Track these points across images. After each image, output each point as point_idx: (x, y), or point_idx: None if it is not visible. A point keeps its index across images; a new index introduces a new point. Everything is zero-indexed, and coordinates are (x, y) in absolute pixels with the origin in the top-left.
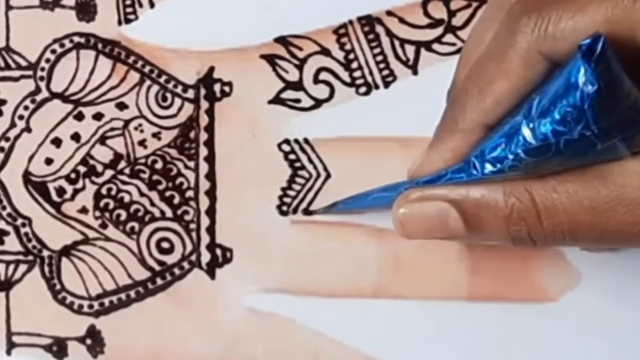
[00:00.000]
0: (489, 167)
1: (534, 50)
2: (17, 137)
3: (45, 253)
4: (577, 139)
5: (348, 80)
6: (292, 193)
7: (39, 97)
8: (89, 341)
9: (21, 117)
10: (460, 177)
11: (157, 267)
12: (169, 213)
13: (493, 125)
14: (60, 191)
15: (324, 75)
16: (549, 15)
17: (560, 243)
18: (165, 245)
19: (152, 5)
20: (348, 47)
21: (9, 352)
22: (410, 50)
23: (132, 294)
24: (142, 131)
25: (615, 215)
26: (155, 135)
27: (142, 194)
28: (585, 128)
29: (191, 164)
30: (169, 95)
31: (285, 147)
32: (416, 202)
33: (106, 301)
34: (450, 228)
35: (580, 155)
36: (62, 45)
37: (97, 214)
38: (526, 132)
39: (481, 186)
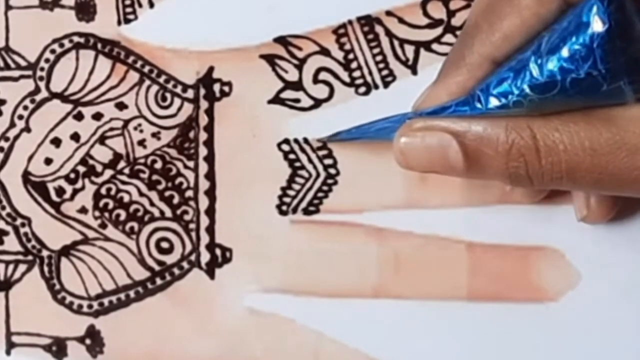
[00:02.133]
0: (493, 102)
1: None
2: (16, 137)
3: (45, 253)
4: (584, 78)
5: (347, 80)
6: (291, 193)
7: (38, 97)
8: (88, 341)
9: (21, 117)
10: (464, 111)
11: (157, 267)
12: (168, 213)
13: (500, 62)
14: (60, 191)
15: (323, 75)
16: None
17: (557, 184)
18: (164, 245)
19: (151, 5)
20: (347, 47)
21: (8, 352)
22: (409, 50)
23: (132, 294)
24: (141, 131)
25: (615, 159)
26: (155, 135)
27: (141, 194)
28: (592, 67)
29: (191, 163)
30: (168, 95)
31: (285, 147)
32: (418, 132)
33: (106, 301)
34: (450, 161)
35: (585, 95)
36: (61, 45)
37: (97, 213)
38: (533, 68)
39: (484, 120)
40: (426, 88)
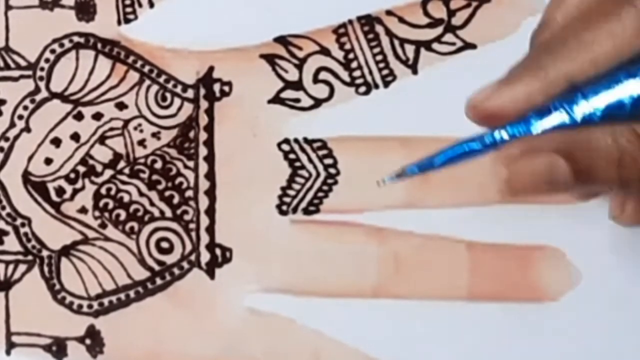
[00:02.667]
0: (597, 112)
1: None
2: (16, 137)
3: (45, 253)
4: None
5: (348, 79)
6: (291, 193)
7: (38, 97)
8: (88, 341)
9: (20, 117)
10: (557, 123)
11: (157, 267)
12: (168, 213)
13: (578, 84)
14: (60, 191)
15: (323, 75)
16: None
17: None
18: (164, 245)
19: (151, 5)
20: (348, 46)
21: (8, 352)
22: (410, 49)
23: (132, 293)
24: (141, 131)
25: None
26: (155, 135)
27: (141, 194)
28: None
29: (191, 163)
30: (168, 95)
31: (285, 147)
32: (521, 158)
33: (105, 301)
34: (558, 180)
35: None
36: (61, 45)
37: (97, 213)
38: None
39: (585, 132)
40: (485, 87)
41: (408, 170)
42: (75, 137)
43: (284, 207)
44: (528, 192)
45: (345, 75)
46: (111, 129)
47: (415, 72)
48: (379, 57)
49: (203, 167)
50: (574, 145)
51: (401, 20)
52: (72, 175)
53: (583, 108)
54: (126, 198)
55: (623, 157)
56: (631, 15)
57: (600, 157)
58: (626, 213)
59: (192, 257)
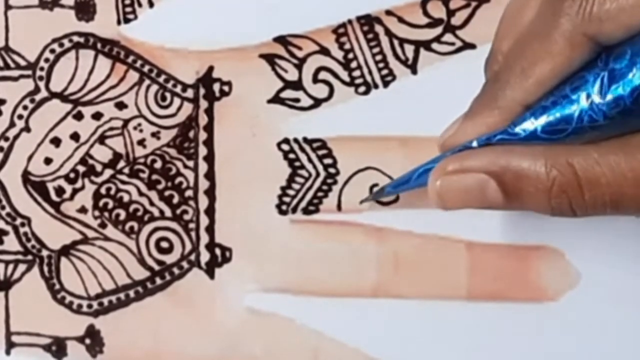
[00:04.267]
0: (542, 134)
1: (578, 32)
2: (16, 137)
3: (45, 253)
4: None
5: (347, 79)
6: (291, 192)
7: (38, 97)
8: (88, 341)
9: (20, 117)
10: (499, 138)
11: (157, 267)
12: (168, 212)
13: (531, 105)
14: (60, 191)
15: (323, 75)
16: None
17: (602, 213)
18: (164, 244)
19: (151, 4)
20: (347, 46)
21: (8, 352)
22: (409, 49)
23: (132, 293)
24: (141, 131)
25: None
26: (155, 135)
27: (141, 194)
28: None
29: (190, 163)
30: (168, 94)
31: (285, 147)
32: (454, 174)
33: (105, 301)
34: (488, 199)
35: (627, 125)
36: (61, 45)
37: (97, 213)
38: (591, 107)
39: (522, 157)
40: (452, 122)
41: (386, 191)
42: (75, 136)
43: (284, 207)
44: (459, 207)
45: (344, 75)
46: (111, 128)
47: (414, 72)
48: (379, 57)
49: (203, 167)
50: (506, 169)
51: (401, 20)
52: (72, 175)
53: (527, 125)
54: (126, 198)
55: (553, 187)
56: (560, 30)
57: (530, 184)
58: None
59: (192, 257)
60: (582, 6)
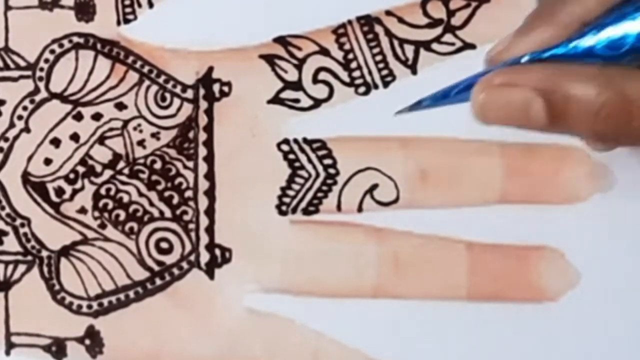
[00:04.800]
0: (599, 50)
1: None
2: (16, 138)
3: (44, 253)
4: None
5: (347, 80)
6: (291, 193)
7: (37, 98)
8: (88, 341)
9: (20, 118)
10: (555, 52)
11: (156, 268)
12: (168, 213)
13: (589, 24)
14: (59, 191)
15: (323, 75)
16: None
17: None
18: (164, 245)
19: (151, 5)
20: (347, 47)
21: (8, 353)
22: (409, 50)
23: (131, 294)
24: (141, 131)
25: None
26: (154, 136)
27: (141, 194)
28: None
29: (190, 164)
30: (168, 95)
31: (285, 147)
32: (500, 88)
33: (105, 301)
34: (532, 118)
35: None
36: (61, 46)
37: (96, 214)
38: None
39: (573, 77)
40: (503, 38)
41: (424, 103)
42: (74, 137)
43: (284, 208)
44: (500, 122)
45: (344, 76)
46: (111, 129)
47: (414, 72)
48: (379, 58)
49: (202, 168)
50: (555, 87)
51: (400, 20)
52: (72, 176)
53: (585, 41)
54: (126, 198)
55: (601, 110)
56: None
57: (577, 105)
58: None
59: (192, 258)
60: None
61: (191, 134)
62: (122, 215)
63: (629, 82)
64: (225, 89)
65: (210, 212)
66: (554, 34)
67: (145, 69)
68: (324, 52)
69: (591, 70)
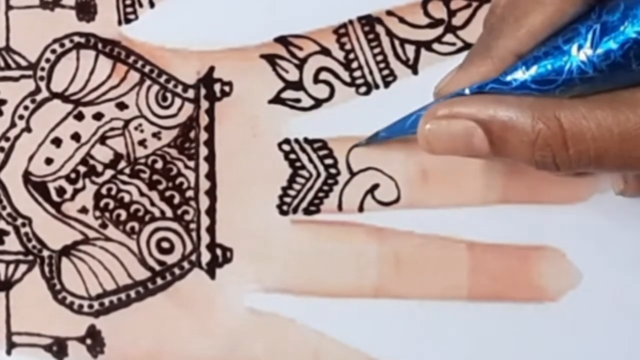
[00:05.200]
0: (520, 77)
1: None
2: (17, 137)
3: (45, 253)
4: (620, 64)
5: (348, 80)
6: (292, 193)
7: (39, 97)
8: (89, 341)
9: (21, 117)
10: (490, 87)
11: (157, 267)
12: (169, 213)
13: (523, 56)
14: (60, 191)
15: (324, 75)
16: None
17: (584, 169)
18: (165, 245)
19: (152, 5)
20: (348, 46)
21: (9, 352)
22: (410, 50)
23: (132, 293)
24: (142, 131)
25: None
26: (156, 135)
27: (142, 194)
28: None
29: (191, 163)
30: (169, 95)
31: (286, 147)
32: (443, 119)
33: (106, 301)
34: (475, 147)
35: (616, 79)
36: (62, 45)
37: (97, 213)
38: (582, 59)
39: (510, 107)
40: (448, 73)
41: (380, 135)
42: (75, 137)
43: (285, 207)
44: (446, 152)
45: (345, 76)
46: (112, 129)
47: (415, 72)
48: (380, 57)
49: (204, 167)
50: (493, 118)
51: (401, 20)
52: (73, 175)
53: (519, 75)
54: (127, 198)
55: (538, 140)
56: None
57: (515, 135)
58: (629, 185)
59: (193, 257)
60: None
61: (192, 134)
62: (123, 215)
63: (563, 112)
64: (227, 88)
65: (211, 211)
66: (491, 67)
67: (147, 69)
68: (325, 52)
69: (527, 101)
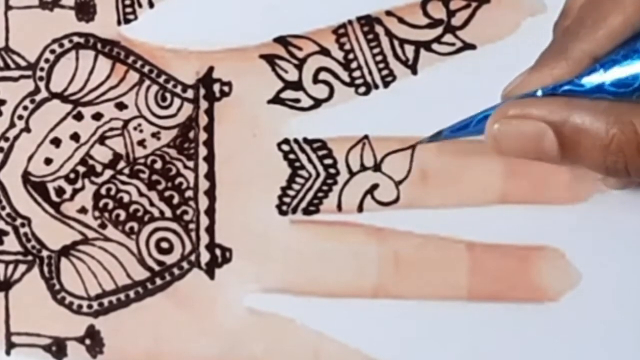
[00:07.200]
0: (609, 87)
1: None
2: (16, 137)
3: (45, 253)
4: None
5: (347, 80)
6: (291, 193)
7: (38, 97)
8: (88, 341)
9: (20, 117)
10: (565, 89)
11: (157, 267)
12: (168, 213)
13: (600, 58)
14: (60, 191)
15: (323, 75)
16: None
17: None
18: (164, 245)
19: (151, 5)
20: (347, 47)
21: (8, 352)
22: (409, 50)
23: (132, 294)
24: (141, 131)
25: None
26: (155, 135)
27: (141, 194)
28: None
29: (190, 163)
30: (168, 95)
31: (285, 147)
32: (513, 119)
33: (105, 301)
34: (544, 149)
35: None
36: (61, 45)
37: (97, 214)
38: None
39: (583, 110)
40: (518, 75)
41: (443, 133)
42: (75, 137)
43: (284, 207)
44: (514, 153)
45: (345, 76)
46: (111, 129)
47: (415, 72)
48: (379, 58)
49: (203, 167)
50: (566, 121)
51: (401, 20)
52: (72, 176)
53: (595, 77)
54: (126, 198)
55: (611, 144)
56: None
57: (588, 139)
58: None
59: (192, 257)
60: None
61: (191, 134)
62: (123, 215)
63: (638, 118)
64: (226, 88)
65: (210, 212)
66: (565, 70)
67: (146, 69)
68: (325, 52)
69: (601, 105)
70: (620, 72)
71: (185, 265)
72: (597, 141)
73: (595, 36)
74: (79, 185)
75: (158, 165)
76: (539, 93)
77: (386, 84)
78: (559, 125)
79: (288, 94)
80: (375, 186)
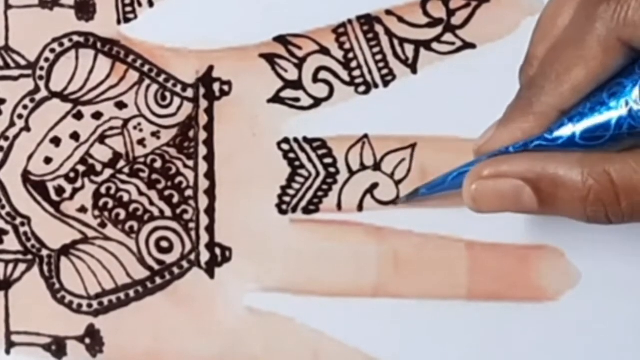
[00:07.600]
0: (580, 140)
1: (613, 37)
2: (16, 137)
3: (45, 252)
4: None
5: (347, 79)
6: (291, 192)
7: (38, 96)
8: (88, 340)
9: (20, 116)
10: (535, 143)
11: (156, 267)
12: (168, 212)
13: (567, 111)
14: (60, 190)
15: (323, 75)
16: (628, 2)
17: (637, 220)
18: (164, 244)
19: (151, 4)
20: (347, 46)
21: (8, 352)
22: (409, 49)
23: (131, 293)
24: (141, 130)
25: None
26: (155, 134)
27: (141, 193)
28: None
29: (190, 163)
30: (168, 94)
31: (285, 146)
32: (489, 179)
33: (105, 300)
34: (523, 204)
35: None
36: (61, 45)
37: (96, 213)
38: (630, 114)
39: (558, 165)
40: (487, 129)
41: (420, 191)
42: (74, 136)
43: (284, 207)
44: (493, 210)
45: (344, 75)
46: (111, 128)
47: (414, 71)
48: (379, 57)
49: (203, 167)
50: (542, 176)
51: (401, 19)
52: (72, 175)
53: (565, 131)
54: (126, 197)
55: (589, 196)
56: (594, 34)
57: (566, 192)
58: None
59: (192, 257)
60: (617, 11)
61: (191, 133)
62: (122, 214)
63: (613, 166)
64: (226, 88)
65: (210, 211)
66: (533, 124)
67: (146, 68)
68: (324, 51)
69: (574, 157)
70: (589, 124)
71: (185, 264)
72: (575, 193)
73: (561, 90)
74: (78, 184)
75: (158, 164)
76: (511, 149)
77: (386, 83)
78: (535, 180)
79: (288, 93)
80: (375, 185)
